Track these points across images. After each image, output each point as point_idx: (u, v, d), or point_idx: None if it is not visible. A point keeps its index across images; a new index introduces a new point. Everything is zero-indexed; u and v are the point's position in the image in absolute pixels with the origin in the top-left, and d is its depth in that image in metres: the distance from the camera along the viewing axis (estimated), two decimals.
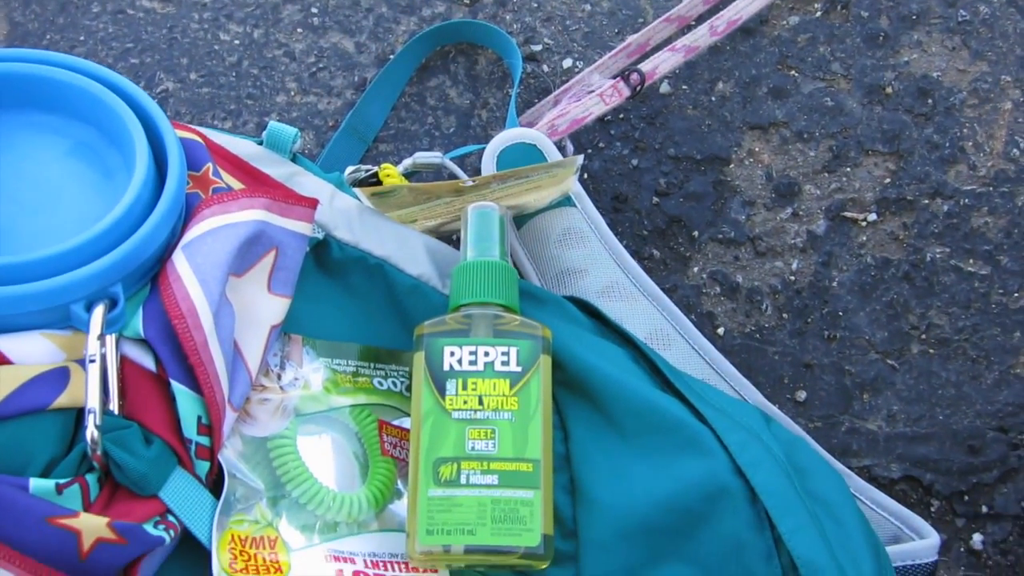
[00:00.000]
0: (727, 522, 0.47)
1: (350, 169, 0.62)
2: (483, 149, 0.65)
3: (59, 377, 0.44)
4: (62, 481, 0.42)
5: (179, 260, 0.46)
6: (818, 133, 0.75)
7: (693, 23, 0.77)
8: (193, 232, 0.47)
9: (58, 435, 0.44)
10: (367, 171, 0.62)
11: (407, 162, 0.64)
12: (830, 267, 0.71)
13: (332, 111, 0.76)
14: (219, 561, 0.44)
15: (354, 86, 0.77)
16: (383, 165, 0.62)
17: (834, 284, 0.71)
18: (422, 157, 0.64)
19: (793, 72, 0.77)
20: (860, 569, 0.46)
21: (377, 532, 0.49)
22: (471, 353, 0.49)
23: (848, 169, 0.74)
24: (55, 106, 0.50)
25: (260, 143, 0.57)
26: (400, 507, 0.50)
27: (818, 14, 0.79)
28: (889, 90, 0.76)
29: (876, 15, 0.78)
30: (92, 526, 0.41)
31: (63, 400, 0.44)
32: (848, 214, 0.73)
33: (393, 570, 0.48)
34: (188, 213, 0.49)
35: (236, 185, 0.53)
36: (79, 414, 0.44)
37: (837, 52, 0.78)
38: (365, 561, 0.48)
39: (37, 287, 0.44)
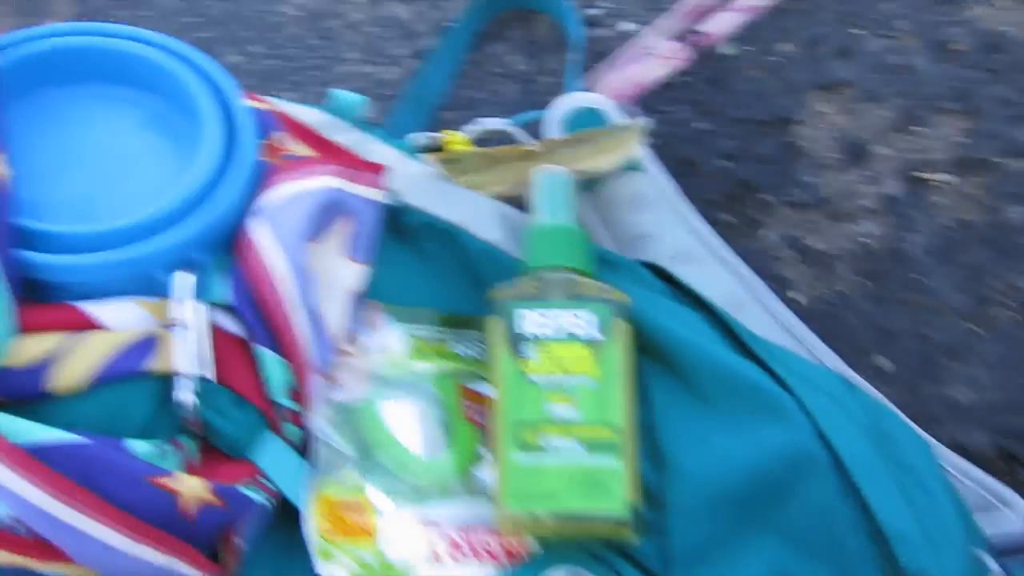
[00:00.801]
0: (813, 491, 0.46)
1: (416, 136, 0.62)
2: (546, 114, 0.65)
3: (152, 343, 0.45)
4: (160, 443, 0.43)
5: (259, 227, 0.46)
6: (886, 92, 0.74)
7: None
8: (269, 198, 0.47)
9: (153, 398, 0.45)
10: (432, 138, 0.62)
11: (471, 128, 0.64)
12: (905, 229, 0.70)
13: (394, 80, 0.76)
14: (312, 523, 0.45)
15: (414, 54, 0.77)
16: (448, 132, 0.62)
17: (911, 247, 0.70)
18: (487, 123, 0.64)
19: (857, 30, 0.76)
20: (950, 537, 0.46)
21: (464, 498, 0.49)
22: (549, 318, 0.49)
23: (919, 129, 0.73)
24: (129, 79, 0.50)
25: (327, 111, 0.57)
26: (484, 472, 0.50)
27: None
28: (958, 46, 0.74)
29: None
30: (190, 486, 0.42)
31: (156, 365, 0.44)
32: (921, 175, 0.71)
33: (482, 536, 0.48)
34: (261, 180, 0.49)
35: (306, 153, 0.53)
36: (170, 378, 0.45)
37: (902, 8, 0.76)
38: (451, 525, 0.48)
39: (122, 254, 0.44)
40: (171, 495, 0.42)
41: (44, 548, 0.41)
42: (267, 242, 0.46)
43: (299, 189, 0.47)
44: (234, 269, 0.46)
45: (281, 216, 0.46)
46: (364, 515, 0.47)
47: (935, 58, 0.74)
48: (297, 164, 0.49)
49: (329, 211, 0.48)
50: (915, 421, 0.53)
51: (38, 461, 0.40)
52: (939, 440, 0.55)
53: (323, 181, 0.48)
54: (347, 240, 0.50)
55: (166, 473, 0.42)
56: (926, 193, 0.71)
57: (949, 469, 0.54)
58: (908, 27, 0.75)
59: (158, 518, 0.42)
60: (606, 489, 0.46)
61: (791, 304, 0.68)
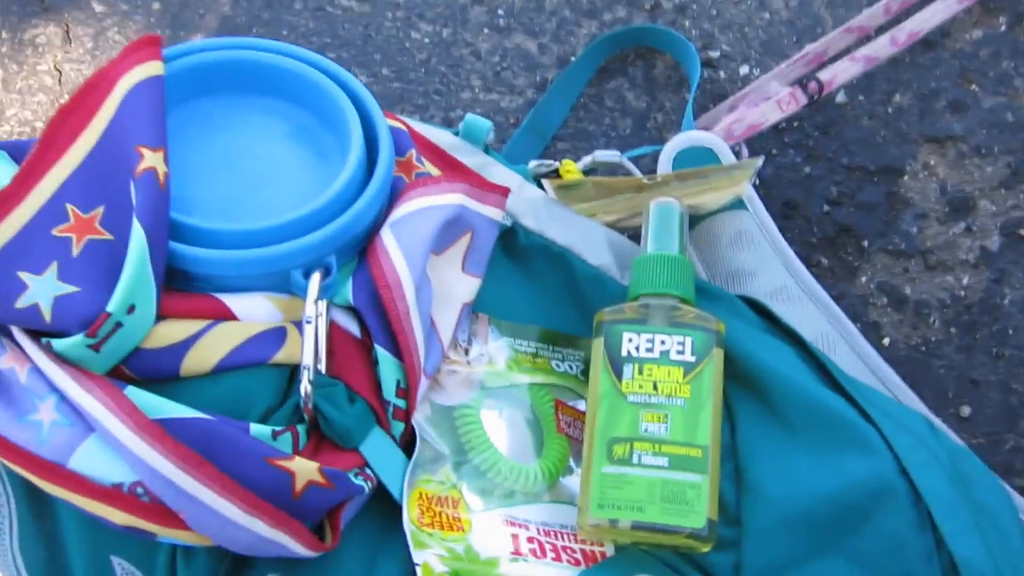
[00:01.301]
0: (890, 520, 0.48)
1: (534, 163, 0.65)
2: (660, 150, 0.68)
3: (278, 336, 0.49)
4: (277, 428, 0.47)
5: (387, 236, 0.50)
6: (997, 149, 0.75)
7: (873, 34, 0.77)
8: (400, 211, 0.51)
9: (275, 387, 0.49)
10: (549, 166, 0.65)
11: (586, 159, 0.67)
12: (1002, 284, 0.71)
13: (514, 109, 0.80)
14: (409, 514, 0.48)
15: (535, 86, 0.81)
16: (564, 161, 0.65)
17: (1005, 302, 0.71)
18: (601, 155, 0.67)
19: (973, 86, 0.77)
20: None
21: (549, 503, 0.52)
22: (648, 341, 0.51)
23: None
24: (279, 91, 0.55)
25: (456, 134, 0.61)
26: (572, 482, 0.53)
27: (1003, 28, 0.78)
28: None
29: None
30: (305, 469, 0.46)
31: (280, 356, 0.48)
32: (1023, 232, 0.72)
33: (563, 540, 0.51)
34: (393, 194, 0.53)
35: (435, 171, 0.57)
36: (293, 371, 0.49)
37: (1021, 67, 0.77)
38: (538, 528, 0.51)
39: (263, 252, 0.49)
40: (287, 475, 0.46)
41: (164, 514, 0.45)
42: (393, 250, 0.50)
43: (428, 203, 0.51)
44: (360, 273, 0.50)
45: (409, 227, 0.50)
46: (457, 510, 0.50)
47: None
48: (429, 180, 0.53)
49: (452, 226, 0.52)
50: (994, 470, 0.54)
51: (167, 433, 0.44)
52: (1017, 490, 0.56)
53: (451, 198, 0.52)
54: (465, 254, 0.54)
55: (285, 455, 0.46)
56: None
57: None
58: None
59: (271, 494, 0.45)
60: (688, 503, 0.48)
61: (881, 349, 0.69)
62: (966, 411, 0.68)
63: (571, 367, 0.57)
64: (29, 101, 0.82)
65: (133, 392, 0.46)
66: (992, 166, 0.74)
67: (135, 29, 0.84)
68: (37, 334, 0.47)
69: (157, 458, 0.44)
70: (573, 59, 0.80)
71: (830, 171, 0.75)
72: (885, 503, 0.48)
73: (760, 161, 0.62)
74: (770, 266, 0.64)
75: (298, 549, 0.46)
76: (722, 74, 0.80)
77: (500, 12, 0.83)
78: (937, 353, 0.70)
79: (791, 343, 0.57)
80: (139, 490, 0.45)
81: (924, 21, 0.75)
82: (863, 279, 0.72)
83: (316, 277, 0.49)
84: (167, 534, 0.46)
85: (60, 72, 0.83)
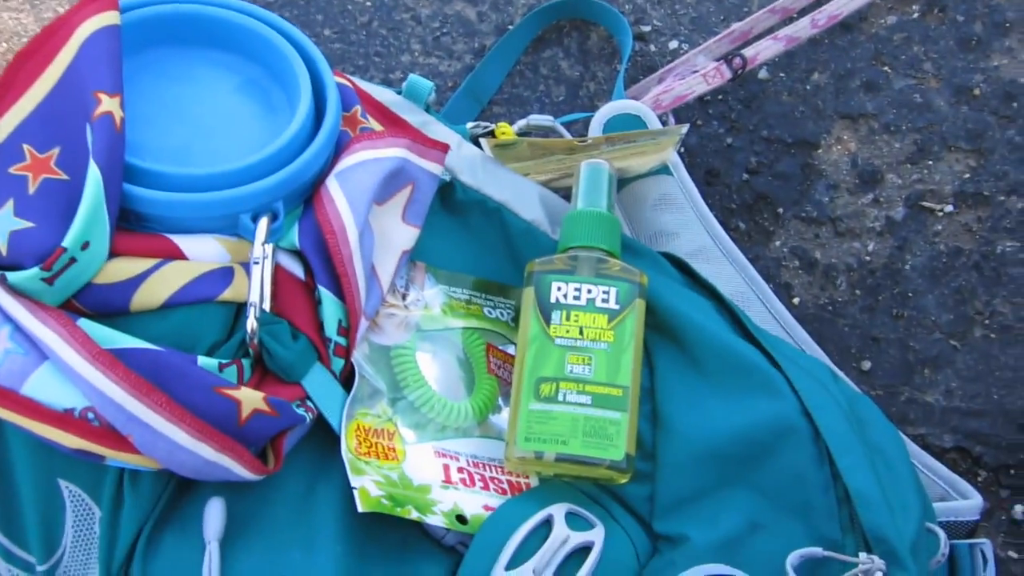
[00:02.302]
0: (791, 456, 0.53)
1: (471, 124, 0.68)
2: (591, 117, 0.71)
3: (225, 275, 0.51)
4: (223, 361, 0.50)
5: (332, 185, 0.53)
6: (905, 127, 0.80)
7: (796, 15, 0.82)
8: (345, 162, 0.54)
9: (221, 323, 0.51)
10: (485, 127, 0.69)
11: (521, 123, 0.71)
12: (904, 251, 0.76)
13: (452, 73, 0.83)
14: (347, 444, 0.51)
15: (473, 52, 0.84)
16: (500, 124, 0.69)
17: (907, 267, 0.76)
18: (535, 119, 0.71)
19: (886, 68, 0.82)
20: (907, 511, 0.52)
21: (479, 438, 0.56)
22: (576, 289, 0.55)
23: (930, 162, 0.79)
24: (231, 45, 0.57)
25: (399, 93, 0.64)
26: (500, 419, 0.57)
27: (915, 15, 0.83)
28: (977, 92, 0.80)
29: (971, 20, 0.83)
30: (250, 398, 0.48)
31: (228, 294, 0.51)
32: (926, 204, 0.78)
33: (491, 472, 0.55)
34: (339, 147, 0.56)
35: (378, 127, 0.60)
36: (239, 309, 0.52)
37: (930, 52, 0.82)
38: (467, 460, 0.55)
39: (214, 196, 0.51)
40: (233, 403, 0.48)
41: (114, 437, 0.47)
42: (338, 197, 0.52)
43: (372, 156, 0.54)
44: (306, 219, 0.53)
45: (354, 177, 0.53)
46: (392, 441, 0.53)
47: (955, 100, 0.80)
48: (373, 135, 0.55)
49: (395, 178, 0.55)
50: (890, 420, 0.59)
51: (118, 361, 0.47)
52: (910, 439, 0.61)
53: (394, 152, 0.55)
54: (406, 205, 0.57)
55: (231, 384, 0.49)
56: (928, 221, 0.77)
57: (916, 464, 0.60)
58: (933, 69, 0.81)
59: (217, 421, 0.48)
60: (608, 438, 0.52)
61: (791, 307, 0.74)
62: (867, 365, 0.73)
63: (502, 314, 0.60)
64: None
65: (85, 324, 0.48)
66: (900, 143, 0.80)
67: None
68: None
69: (108, 384, 0.46)
70: (511, 27, 0.83)
71: (750, 142, 0.80)
72: (788, 440, 0.53)
73: (685, 129, 0.66)
74: (691, 228, 0.69)
75: (242, 472, 0.49)
76: (652, 48, 0.84)
77: None
78: (842, 313, 0.75)
79: (709, 297, 0.61)
80: (90, 415, 0.47)
81: (843, 5, 0.80)
82: (777, 243, 0.77)
83: (264, 221, 0.51)
84: (116, 457, 0.48)
85: None
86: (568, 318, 0.55)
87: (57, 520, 0.52)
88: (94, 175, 0.48)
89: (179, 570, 0.50)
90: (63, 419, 0.47)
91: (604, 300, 0.55)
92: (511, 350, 0.59)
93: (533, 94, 0.82)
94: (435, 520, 0.51)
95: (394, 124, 0.61)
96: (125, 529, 0.50)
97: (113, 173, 0.49)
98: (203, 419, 0.47)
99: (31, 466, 0.52)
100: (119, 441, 0.47)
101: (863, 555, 0.49)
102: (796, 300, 0.75)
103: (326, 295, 0.52)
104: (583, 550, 0.51)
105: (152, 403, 0.47)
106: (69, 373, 0.47)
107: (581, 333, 0.55)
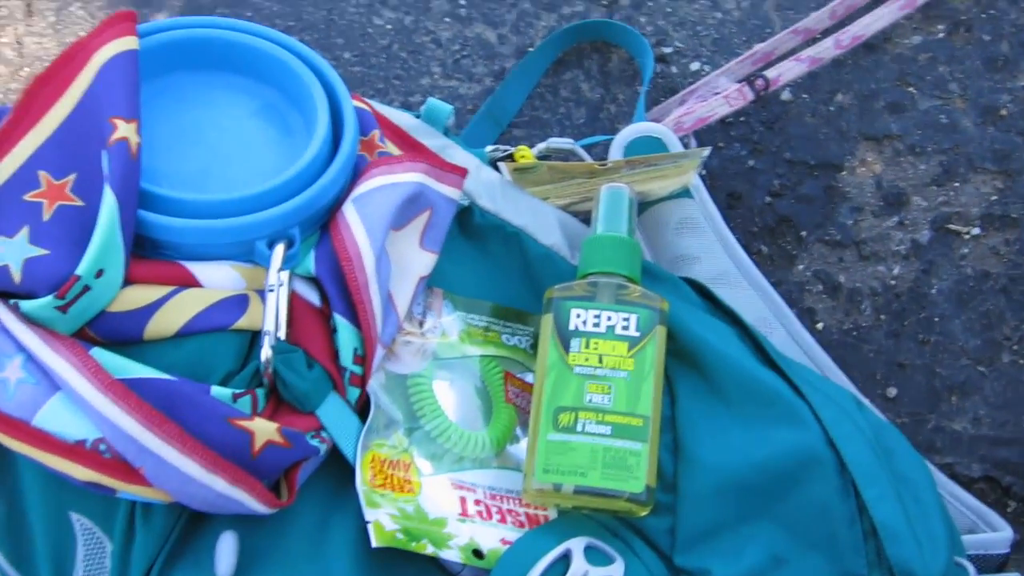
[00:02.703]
0: (816, 488, 0.51)
1: (490, 148, 0.68)
2: (611, 140, 0.70)
3: (240, 303, 0.51)
4: (237, 391, 0.49)
5: (349, 211, 0.52)
6: (930, 148, 0.79)
7: (819, 36, 0.81)
8: (362, 187, 0.53)
9: (235, 352, 0.51)
10: (504, 151, 0.68)
11: (541, 146, 0.70)
12: (930, 275, 0.75)
13: (472, 96, 0.82)
14: (362, 475, 0.51)
15: (494, 74, 0.83)
16: (519, 147, 0.68)
17: (933, 291, 0.75)
18: (555, 142, 0.70)
19: (911, 89, 0.81)
20: (935, 544, 0.51)
21: (496, 469, 0.55)
22: (595, 316, 0.54)
23: (956, 184, 0.78)
24: (249, 70, 0.57)
25: (417, 117, 0.64)
26: (518, 450, 0.56)
27: (941, 35, 0.82)
28: (1004, 112, 0.79)
29: (998, 39, 0.81)
30: (264, 429, 0.48)
31: (242, 323, 0.51)
32: (952, 226, 0.76)
33: (508, 504, 0.54)
34: (356, 172, 0.55)
35: (396, 152, 0.59)
36: (254, 337, 0.51)
37: (956, 72, 0.81)
38: (484, 492, 0.54)
39: (229, 223, 0.51)
40: (246, 434, 0.48)
41: (125, 470, 0.47)
42: (355, 224, 0.52)
43: (390, 181, 0.54)
44: (323, 245, 0.53)
45: (371, 202, 0.53)
46: (408, 473, 0.53)
47: (981, 121, 0.79)
48: (391, 159, 0.55)
49: (412, 203, 0.55)
50: (916, 448, 0.58)
51: (131, 391, 0.46)
52: (937, 468, 0.60)
53: (411, 176, 0.54)
54: (423, 231, 0.56)
55: (245, 415, 0.48)
56: (954, 243, 0.76)
57: (944, 494, 0.59)
58: (959, 90, 0.80)
59: (230, 453, 0.47)
60: (628, 470, 0.51)
61: (815, 333, 0.73)
62: (892, 392, 0.72)
63: (520, 341, 0.59)
64: None
65: (98, 353, 0.48)
66: (925, 164, 0.78)
67: (98, 4, 0.85)
68: (5, 295, 0.48)
69: (121, 415, 0.46)
70: (531, 50, 0.82)
71: (773, 164, 0.79)
72: (812, 471, 0.52)
73: (707, 152, 0.65)
74: (713, 252, 0.68)
75: (255, 506, 0.48)
76: (674, 69, 0.83)
77: (462, 2, 0.86)
78: (867, 338, 0.74)
79: (731, 324, 0.60)
80: (101, 447, 0.47)
81: (867, 26, 0.79)
82: (800, 267, 0.76)
83: (280, 248, 0.51)
84: (127, 490, 0.47)
85: (21, 45, 0.84)
86: (587, 346, 0.54)
87: (68, 553, 0.51)
88: (109, 202, 0.48)
89: None
90: (74, 451, 0.47)
91: (624, 327, 0.54)
92: (529, 378, 0.58)
93: (553, 117, 0.82)
94: (451, 555, 0.50)
95: (412, 148, 0.60)
96: (137, 563, 0.49)
97: (128, 199, 0.49)
98: (216, 451, 0.47)
99: (42, 498, 0.51)
100: (130, 474, 0.47)
101: None
102: (820, 325, 0.74)
103: (342, 323, 0.52)
104: None
105: (164, 434, 0.46)
106: (81, 403, 0.46)
107: (600, 361, 0.54)
